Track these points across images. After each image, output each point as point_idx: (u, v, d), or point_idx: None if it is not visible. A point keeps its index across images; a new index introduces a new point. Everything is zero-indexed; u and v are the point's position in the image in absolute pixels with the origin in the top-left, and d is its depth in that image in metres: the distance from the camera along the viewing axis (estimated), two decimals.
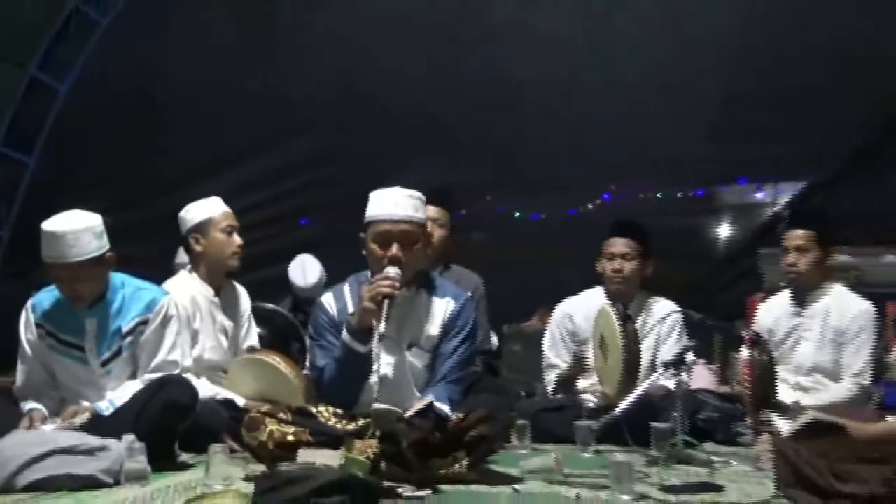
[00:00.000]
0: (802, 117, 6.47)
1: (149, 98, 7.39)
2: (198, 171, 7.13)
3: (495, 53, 6.94)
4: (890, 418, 2.61)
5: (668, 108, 6.73)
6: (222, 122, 7.35)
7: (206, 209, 4.28)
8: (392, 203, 3.46)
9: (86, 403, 3.54)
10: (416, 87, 7.00)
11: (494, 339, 5.16)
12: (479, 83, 6.91)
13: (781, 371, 4.46)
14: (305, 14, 7.24)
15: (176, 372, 3.66)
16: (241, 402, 4.02)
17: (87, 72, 7.69)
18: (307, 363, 4.08)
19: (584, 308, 4.59)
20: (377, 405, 3.14)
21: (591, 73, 6.81)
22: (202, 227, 4.23)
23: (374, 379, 3.36)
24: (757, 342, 4.00)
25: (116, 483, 3.06)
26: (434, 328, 3.54)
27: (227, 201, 4.45)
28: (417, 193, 3.54)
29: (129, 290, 3.66)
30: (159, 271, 3.93)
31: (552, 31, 6.86)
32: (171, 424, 3.51)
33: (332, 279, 4.49)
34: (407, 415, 3.12)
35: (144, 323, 3.64)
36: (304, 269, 5.90)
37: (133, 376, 3.66)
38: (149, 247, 4.79)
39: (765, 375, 3.93)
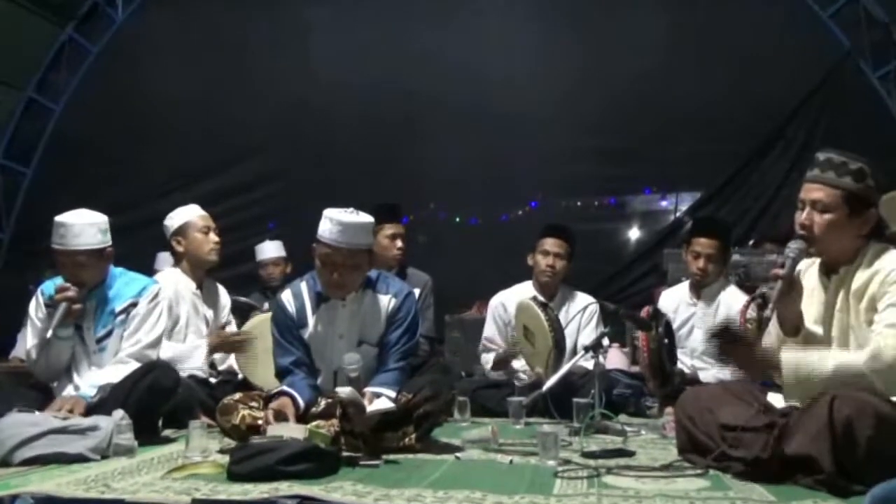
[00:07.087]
0: (696, 145, 6.56)
1: (131, 117, 7.21)
2: (172, 182, 7.05)
3: (444, 88, 6.80)
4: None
5: (587, 138, 6.76)
6: (194, 140, 7.21)
7: (184, 214, 4.36)
8: (338, 231, 3.23)
9: (70, 392, 3.41)
10: (363, 113, 6.88)
11: None
12: (432, 113, 6.77)
13: (679, 354, 4.48)
14: (263, 51, 7.14)
15: (154, 347, 3.60)
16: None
17: (78, 94, 7.58)
18: None
19: (516, 298, 4.55)
20: (339, 389, 3.08)
21: (536, 112, 6.76)
22: (182, 230, 4.31)
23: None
24: (654, 316, 3.95)
25: (105, 458, 2.97)
26: (379, 323, 3.41)
27: (205, 206, 4.48)
28: (365, 219, 3.29)
29: (124, 279, 3.65)
30: (139, 268, 3.85)
31: (507, 74, 6.79)
32: (156, 404, 3.47)
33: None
34: (369, 410, 3.03)
35: (134, 305, 3.60)
36: None
37: None
38: (130, 247, 4.72)
39: (660, 347, 3.88)
